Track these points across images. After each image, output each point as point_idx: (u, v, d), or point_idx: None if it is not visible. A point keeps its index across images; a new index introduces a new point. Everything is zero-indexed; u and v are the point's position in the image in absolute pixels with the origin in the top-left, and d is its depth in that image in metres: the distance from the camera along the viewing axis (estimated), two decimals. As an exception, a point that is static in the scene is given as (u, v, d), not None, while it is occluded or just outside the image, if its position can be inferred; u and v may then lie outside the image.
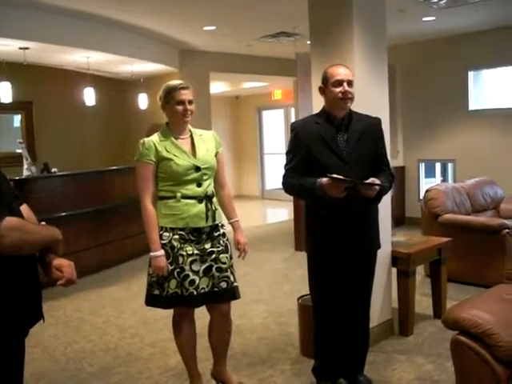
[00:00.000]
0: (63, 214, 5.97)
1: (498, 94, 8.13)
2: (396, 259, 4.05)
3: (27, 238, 1.72)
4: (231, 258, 3.12)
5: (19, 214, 1.82)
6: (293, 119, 11.51)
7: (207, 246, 3.02)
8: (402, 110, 8.87)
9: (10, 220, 1.63)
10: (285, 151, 3.20)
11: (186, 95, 3.01)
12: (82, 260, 5.96)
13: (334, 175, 2.77)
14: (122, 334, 4.42)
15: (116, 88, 9.85)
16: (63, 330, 4.58)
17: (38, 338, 4.24)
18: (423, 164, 8.98)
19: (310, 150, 2.98)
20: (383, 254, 3.75)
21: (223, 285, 3.05)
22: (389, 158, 3.32)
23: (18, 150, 6.77)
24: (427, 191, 5.70)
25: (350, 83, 2.98)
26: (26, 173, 6.12)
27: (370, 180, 2.85)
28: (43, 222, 1.96)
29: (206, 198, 3.02)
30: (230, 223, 3.26)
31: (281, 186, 3.15)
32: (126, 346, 4.18)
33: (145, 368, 3.75)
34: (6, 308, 1.72)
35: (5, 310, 1.72)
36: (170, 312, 3.18)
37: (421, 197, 7.26)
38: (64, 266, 1.85)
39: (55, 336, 4.41)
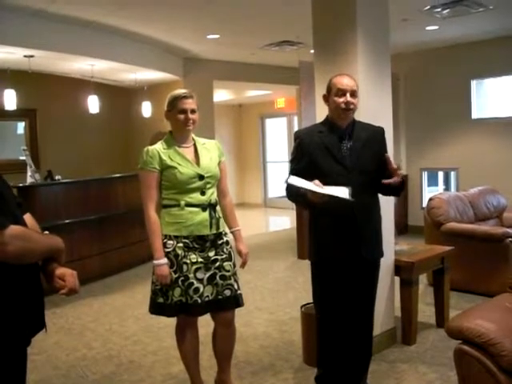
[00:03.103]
0: (67, 221, 5.99)
1: (500, 103, 8.14)
2: (399, 268, 4.05)
3: (30, 247, 1.72)
4: (234, 265, 3.13)
5: (23, 222, 1.82)
6: (296, 127, 11.52)
7: (211, 253, 3.03)
8: (405, 118, 8.88)
9: (14, 228, 1.63)
10: (288, 159, 3.21)
11: (189, 104, 3.02)
12: (85, 267, 5.98)
13: (313, 186, 2.74)
14: (125, 342, 4.42)
15: (120, 96, 9.89)
16: (66, 337, 4.58)
17: (40, 346, 4.23)
18: (426, 172, 8.97)
19: (313, 158, 2.99)
20: (386, 263, 3.75)
21: (227, 292, 3.05)
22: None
23: (22, 158, 6.78)
24: (430, 200, 5.69)
25: (353, 94, 2.99)
26: (29, 180, 6.14)
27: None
28: (46, 232, 1.95)
29: (210, 206, 3.03)
30: (232, 232, 3.27)
31: (283, 194, 3.15)
32: (129, 353, 4.18)
33: (147, 376, 3.75)
34: (8, 317, 1.71)
35: (7, 319, 1.71)
36: (173, 320, 3.18)
37: (424, 205, 7.26)
38: (66, 275, 1.83)
39: (57, 343, 4.41)
